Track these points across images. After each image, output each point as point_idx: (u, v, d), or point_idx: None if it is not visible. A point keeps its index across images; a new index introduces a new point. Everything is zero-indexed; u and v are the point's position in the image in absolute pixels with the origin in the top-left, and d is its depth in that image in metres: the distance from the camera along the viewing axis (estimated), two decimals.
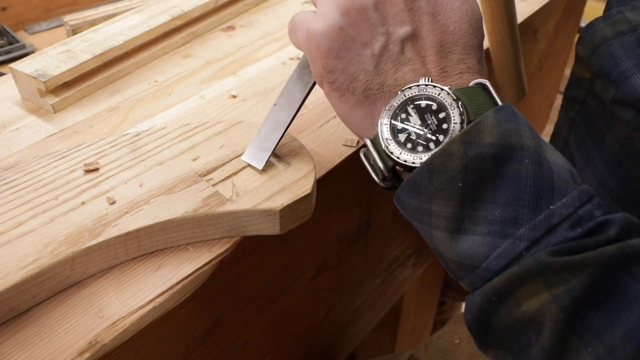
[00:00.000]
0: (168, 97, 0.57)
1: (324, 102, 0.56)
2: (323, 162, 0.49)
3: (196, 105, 0.55)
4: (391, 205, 0.65)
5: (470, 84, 0.37)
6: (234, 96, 0.57)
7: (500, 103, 0.36)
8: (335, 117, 0.54)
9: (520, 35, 0.78)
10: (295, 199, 0.42)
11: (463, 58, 0.38)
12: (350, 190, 0.56)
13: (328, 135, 0.52)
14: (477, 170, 0.33)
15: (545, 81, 1.07)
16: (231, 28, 0.69)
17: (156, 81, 0.59)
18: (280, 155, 0.46)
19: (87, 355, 0.35)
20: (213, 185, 0.43)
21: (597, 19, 0.47)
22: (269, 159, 0.45)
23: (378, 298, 0.78)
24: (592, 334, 0.30)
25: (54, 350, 0.35)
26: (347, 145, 0.51)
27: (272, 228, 0.42)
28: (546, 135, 1.91)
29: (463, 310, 0.37)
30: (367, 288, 0.72)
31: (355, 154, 0.50)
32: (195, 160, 0.45)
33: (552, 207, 0.32)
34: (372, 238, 0.65)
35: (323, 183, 0.48)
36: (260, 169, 0.44)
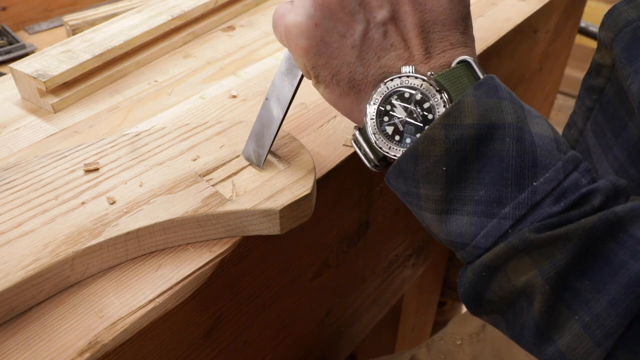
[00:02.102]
0: (168, 97, 0.57)
1: (324, 102, 0.56)
2: (323, 162, 0.49)
3: (196, 105, 0.55)
4: (391, 205, 0.65)
5: (453, 64, 0.36)
6: (234, 96, 0.57)
7: (482, 77, 0.36)
8: (335, 117, 0.54)
9: (520, 35, 0.78)
10: (295, 199, 0.42)
11: (445, 35, 0.37)
12: (350, 190, 0.56)
13: (328, 135, 0.52)
14: (460, 153, 0.34)
15: (545, 81, 1.07)
16: (231, 28, 0.69)
17: (156, 81, 0.59)
18: (280, 155, 0.46)
19: (87, 355, 0.35)
20: (213, 185, 0.43)
21: (620, 3, 0.46)
22: (267, 156, 0.44)
23: (378, 298, 0.78)
24: (579, 302, 0.31)
25: (54, 350, 0.35)
26: (347, 145, 0.51)
27: (272, 228, 0.42)
28: None
29: (464, 310, 0.38)
30: (367, 288, 0.72)
31: (356, 154, 0.50)
32: (195, 160, 0.45)
33: (535, 183, 0.33)
34: (372, 238, 0.65)
35: (323, 183, 0.48)
36: (260, 167, 0.44)
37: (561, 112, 1.98)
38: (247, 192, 0.43)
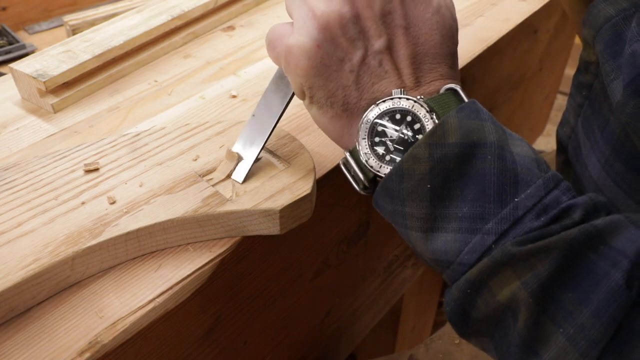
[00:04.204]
0: (168, 97, 0.57)
1: None
2: (323, 162, 0.49)
3: (196, 105, 0.55)
4: None
5: (441, 91, 0.38)
6: (234, 96, 0.57)
7: (466, 100, 0.37)
8: None
9: (520, 35, 0.78)
10: (295, 199, 0.42)
11: (434, 67, 0.39)
12: (350, 190, 0.55)
13: None
14: (443, 171, 0.35)
15: (545, 81, 1.07)
16: (231, 28, 0.69)
17: (156, 81, 0.59)
18: (280, 155, 0.46)
19: (87, 355, 0.35)
20: (213, 185, 0.43)
21: (597, 0, 0.47)
22: (249, 172, 0.44)
23: (378, 298, 0.78)
24: (563, 314, 0.32)
25: (54, 350, 0.35)
26: None
27: (272, 228, 0.42)
28: (546, 134, 1.91)
29: None
30: (367, 288, 0.72)
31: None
32: (195, 160, 0.45)
33: (516, 199, 0.34)
34: (372, 238, 0.65)
35: (323, 183, 0.48)
36: (241, 182, 0.44)
37: (561, 112, 1.97)
38: (247, 192, 0.43)
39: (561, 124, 0.57)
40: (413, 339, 1.14)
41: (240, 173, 0.44)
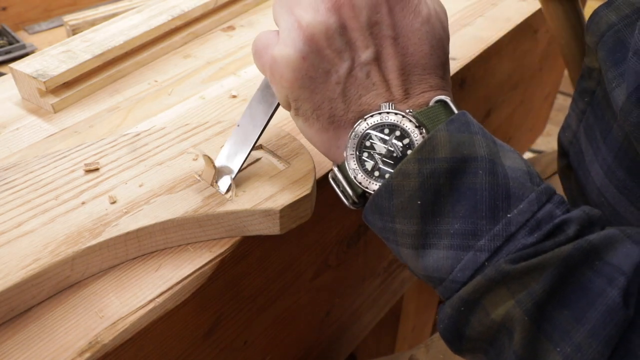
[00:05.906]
0: (168, 97, 0.57)
1: None
2: (323, 162, 0.49)
3: (196, 105, 0.55)
4: None
5: (431, 103, 0.38)
6: (234, 96, 0.57)
7: (456, 112, 0.37)
8: None
9: (520, 35, 0.78)
10: (295, 199, 0.42)
11: (424, 78, 0.38)
12: None
13: None
14: (433, 187, 0.34)
15: (545, 81, 1.07)
16: (231, 28, 0.69)
17: (156, 81, 0.59)
18: (280, 155, 0.46)
19: (87, 355, 0.35)
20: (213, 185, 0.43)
21: (600, 7, 0.47)
22: (233, 182, 0.43)
23: (378, 298, 0.78)
24: (559, 333, 0.31)
25: (54, 350, 0.35)
26: None
27: (272, 228, 0.42)
28: (546, 134, 1.90)
29: None
30: (367, 288, 0.72)
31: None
32: (195, 160, 0.46)
33: (509, 215, 0.33)
34: (372, 238, 0.65)
35: (323, 183, 0.48)
36: (223, 194, 0.42)
37: (561, 112, 1.98)
38: (247, 192, 0.43)
39: (563, 129, 0.57)
40: (413, 339, 1.14)
41: (223, 183, 0.43)
